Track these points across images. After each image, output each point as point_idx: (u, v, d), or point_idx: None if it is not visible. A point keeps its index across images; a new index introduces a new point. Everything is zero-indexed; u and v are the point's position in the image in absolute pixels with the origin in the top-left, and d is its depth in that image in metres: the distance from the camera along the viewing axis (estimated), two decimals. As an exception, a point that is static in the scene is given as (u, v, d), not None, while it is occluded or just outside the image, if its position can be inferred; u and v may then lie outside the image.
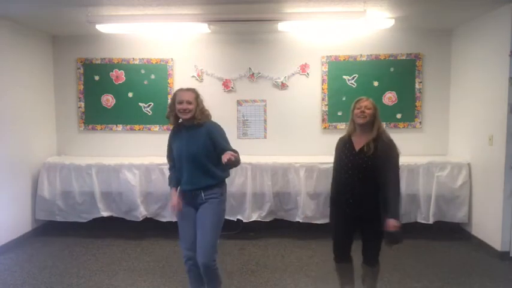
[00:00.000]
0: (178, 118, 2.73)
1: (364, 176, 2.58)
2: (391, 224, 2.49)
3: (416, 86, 4.91)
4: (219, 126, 2.75)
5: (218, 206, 2.72)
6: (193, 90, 2.72)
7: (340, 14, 3.92)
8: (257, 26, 4.63)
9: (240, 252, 4.10)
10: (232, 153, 2.48)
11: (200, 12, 4.04)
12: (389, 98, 4.94)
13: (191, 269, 2.76)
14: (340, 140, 2.81)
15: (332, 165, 2.83)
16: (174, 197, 2.78)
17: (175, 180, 2.82)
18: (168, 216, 4.52)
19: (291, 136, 5.02)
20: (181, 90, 2.73)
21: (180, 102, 2.63)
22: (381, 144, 2.58)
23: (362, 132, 2.66)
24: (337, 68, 4.94)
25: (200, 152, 2.64)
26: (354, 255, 2.82)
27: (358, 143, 2.65)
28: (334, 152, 2.82)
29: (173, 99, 2.71)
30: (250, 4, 3.76)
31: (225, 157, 2.44)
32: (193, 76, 5.03)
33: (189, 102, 2.63)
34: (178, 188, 2.81)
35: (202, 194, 2.67)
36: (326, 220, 4.31)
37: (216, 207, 2.70)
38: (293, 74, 5.00)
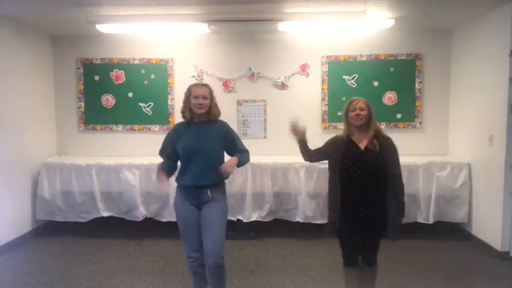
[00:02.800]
0: (192, 114, 2.71)
1: (374, 175, 2.57)
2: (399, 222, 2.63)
3: (416, 86, 4.91)
4: (229, 126, 2.84)
5: (224, 204, 2.77)
6: (207, 86, 2.74)
7: (340, 14, 3.93)
8: (257, 26, 4.63)
9: (240, 252, 4.10)
10: (230, 165, 2.63)
11: (200, 12, 4.04)
12: (389, 98, 4.94)
13: (197, 270, 2.72)
14: (337, 139, 2.72)
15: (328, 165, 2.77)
16: (162, 176, 2.72)
17: (167, 167, 2.77)
18: (168, 216, 4.51)
19: (291, 136, 5.00)
20: (196, 85, 2.72)
21: (196, 97, 2.63)
22: (382, 140, 2.62)
23: (360, 132, 2.66)
24: (337, 68, 4.94)
25: (214, 148, 2.69)
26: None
27: (360, 142, 2.63)
28: (325, 145, 2.77)
29: (188, 94, 2.69)
30: (250, 4, 3.77)
31: (226, 169, 2.59)
32: (193, 76, 5.03)
33: (205, 97, 2.65)
34: (177, 183, 2.75)
35: (209, 192, 2.67)
36: (326, 220, 4.30)
37: (222, 205, 2.74)
38: (293, 74, 5.00)
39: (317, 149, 2.83)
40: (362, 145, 2.62)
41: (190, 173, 2.66)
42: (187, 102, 2.68)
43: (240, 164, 2.73)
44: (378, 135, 2.64)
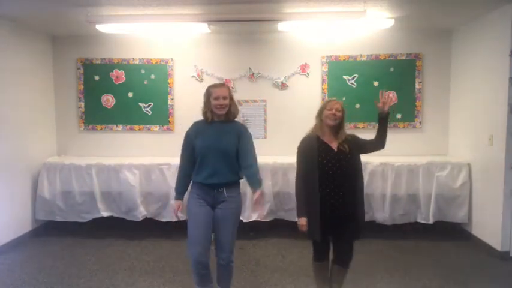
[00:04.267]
0: (213, 114, 2.72)
1: (347, 174, 2.62)
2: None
3: (416, 86, 4.92)
4: (247, 130, 2.82)
5: (238, 205, 2.82)
6: (225, 85, 2.77)
7: (340, 14, 3.93)
8: (257, 26, 4.63)
9: (240, 252, 4.10)
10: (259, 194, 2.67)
11: (200, 12, 4.04)
12: (389, 98, 4.93)
13: (201, 272, 2.69)
14: (308, 141, 2.73)
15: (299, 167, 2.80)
16: (176, 204, 2.81)
17: (184, 189, 2.81)
18: (168, 216, 4.51)
19: (291, 136, 4.99)
20: (215, 86, 2.75)
21: (217, 98, 2.65)
22: (348, 141, 2.69)
23: (331, 133, 2.69)
24: (337, 68, 4.94)
25: (231, 147, 2.69)
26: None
27: (332, 143, 2.68)
28: (298, 154, 2.77)
29: (207, 95, 2.71)
30: (250, 4, 3.77)
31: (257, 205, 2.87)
32: (193, 76, 5.03)
33: (225, 98, 2.67)
34: (193, 181, 2.77)
35: (225, 192, 2.70)
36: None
37: (237, 206, 2.80)
38: (293, 74, 5.00)
39: (300, 172, 2.81)
40: (334, 146, 2.66)
41: (207, 171, 2.66)
42: (208, 103, 2.69)
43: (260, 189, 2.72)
44: (346, 138, 2.71)
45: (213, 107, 2.67)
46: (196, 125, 2.79)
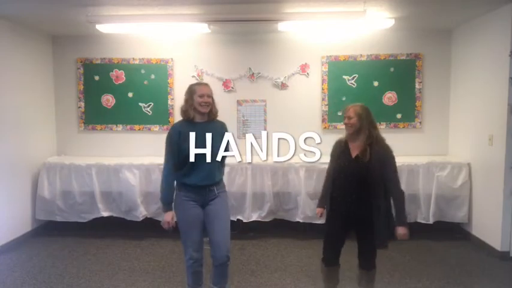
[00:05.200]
0: (195, 113, 2.69)
1: (361, 182, 2.58)
2: (401, 231, 2.60)
3: (416, 86, 4.91)
4: (227, 129, 2.84)
5: (227, 200, 2.87)
6: (209, 85, 2.77)
7: (340, 14, 3.93)
8: (257, 26, 4.63)
9: (240, 252, 4.10)
10: None
11: (200, 12, 4.04)
12: (389, 98, 4.94)
13: (197, 270, 2.74)
14: (338, 143, 2.79)
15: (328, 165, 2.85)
16: (170, 216, 2.74)
17: (172, 196, 2.75)
18: (168, 216, 4.52)
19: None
20: (199, 84, 2.75)
21: (201, 96, 2.65)
22: (375, 151, 2.58)
23: (354, 139, 2.67)
24: (337, 68, 4.94)
25: (220, 147, 2.66)
26: (343, 258, 2.83)
27: (354, 149, 2.66)
28: (330, 153, 2.82)
29: (190, 93, 2.68)
30: (250, 4, 3.77)
31: None
32: (193, 76, 5.03)
33: (209, 96, 2.68)
34: (181, 183, 2.73)
35: (215, 189, 2.73)
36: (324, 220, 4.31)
37: (226, 200, 2.85)
38: (293, 74, 5.00)
39: (329, 172, 2.84)
40: (354, 153, 2.65)
41: (201, 173, 2.66)
42: (191, 101, 2.67)
43: None
44: (377, 143, 2.60)
45: (196, 105, 2.64)
46: (179, 127, 2.72)
